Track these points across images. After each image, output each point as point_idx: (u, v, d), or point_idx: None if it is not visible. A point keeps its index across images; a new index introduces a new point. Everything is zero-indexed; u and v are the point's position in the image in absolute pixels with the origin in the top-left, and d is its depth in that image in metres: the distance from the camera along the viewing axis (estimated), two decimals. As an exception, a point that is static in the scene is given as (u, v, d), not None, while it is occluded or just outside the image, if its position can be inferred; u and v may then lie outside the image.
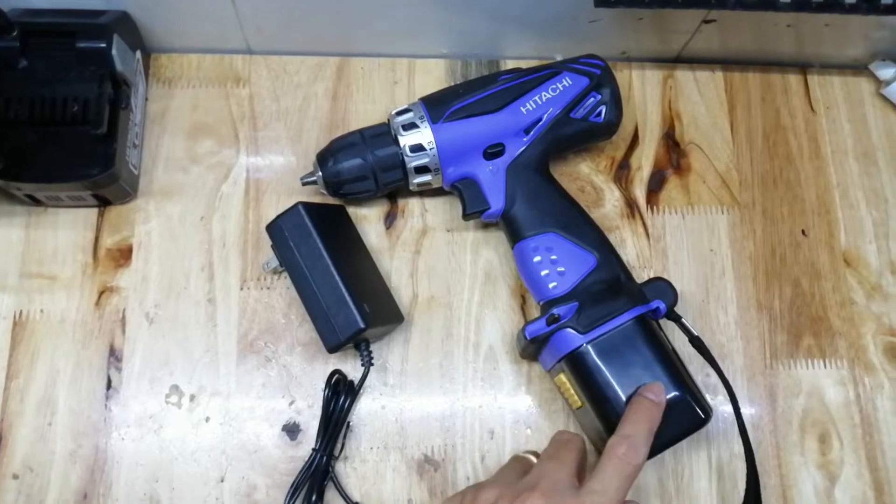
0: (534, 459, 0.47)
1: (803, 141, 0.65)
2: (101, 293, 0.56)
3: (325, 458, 0.52)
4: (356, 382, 0.54)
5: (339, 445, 0.53)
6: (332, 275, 0.51)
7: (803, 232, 0.62)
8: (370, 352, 0.54)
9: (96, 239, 0.57)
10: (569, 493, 0.42)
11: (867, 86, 0.67)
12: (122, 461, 0.52)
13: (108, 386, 0.54)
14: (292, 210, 0.53)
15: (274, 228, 0.53)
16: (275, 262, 0.55)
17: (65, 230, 0.57)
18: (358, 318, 0.50)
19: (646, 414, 0.46)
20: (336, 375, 0.53)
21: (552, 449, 0.47)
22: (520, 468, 0.47)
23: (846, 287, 0.61)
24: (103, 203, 0.57)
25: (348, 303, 0.51)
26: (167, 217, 0.58)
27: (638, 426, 0.45)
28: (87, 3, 0.55)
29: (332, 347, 0.51)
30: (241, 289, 0.57)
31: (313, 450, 0.52)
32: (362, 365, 0.54)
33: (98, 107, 0.53)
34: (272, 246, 0.54)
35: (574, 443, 0.47)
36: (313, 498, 0.51)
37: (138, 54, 0.58)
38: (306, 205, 0.53)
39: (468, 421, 0.55)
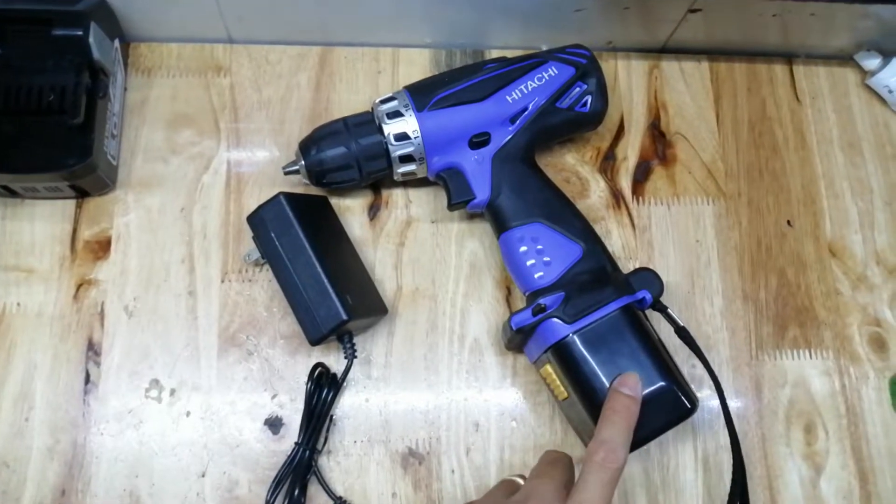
0: (521, 482, 0.47)
1: (789, 131, 0.65)
2: (79, 286, 0.55)
3: (307, 452, 0.51)
4: (339, 375, 0.53)
5: (322, 439, 0.52)
6: (315, 266, 0.51)
7: (789, 222, 0.62)
8: (353, 344, 0.53)
9: (74, 231, 0.56)
10: None
11: (852, 76, 0.67)
12: (101, 456, 0.51)
13: (87, 380, 0.53)
14: (273, 200, 0.52)
15: (255, 219, 0.53)
16: (256, 254, 0.54)
17: (42, 222, 0.56)
18: (340, 309, 0.50)
19: (622, 412, 0.45)
20: (319, 368, 0.53)
21: (540, 467, 0.46)
22: (507, 490, 0.46)
23: (831, 277, 0.61)
24: (81, 194, 0.56)
25: (331, 294, 0.50)
26: (146, 209, 0.57)
27: (615, 427, 0.44)
28: (63, -11, 0.54)
29: (315, 340, 0.50)
30: (223, 281, 0.56)
31: (296, 444, 0.51)
32: (345, 357, 0.53)
33: (75, 96, 0.52)
34: (253, 237, 0.53)
35: (561, 461, 0.46)
36: (296, 493, 0.50)
37: (117, 43, 0.57)
38: (287, 195, 0.52)
39: (453, 414, 0.54)
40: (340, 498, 0.52)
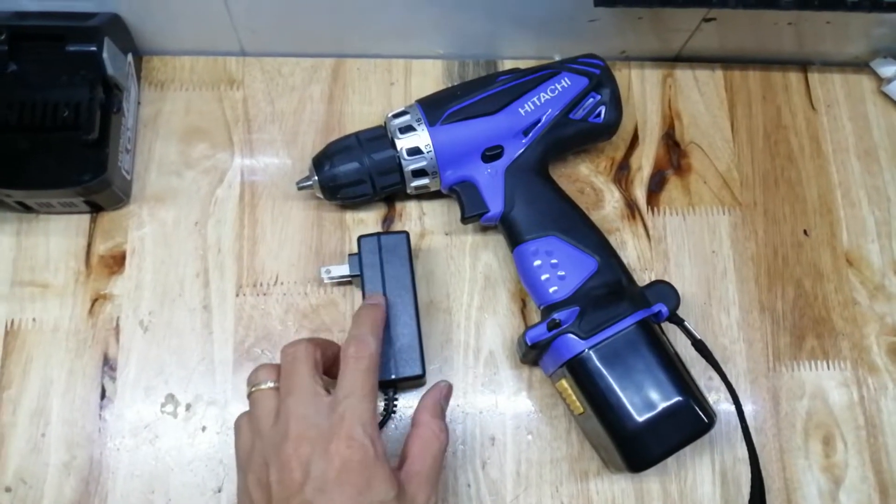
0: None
1: (804, 140, 0.64)
2: (94, 301, 0.55)
3: None
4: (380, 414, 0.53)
5: None
6: (412, 312, 0.52)
7: (805, 232, 0.61)
8: (396, 399, 0.53)
9: (89, 246, 0.56)
10: (323, 417, 0.41)
11: (868, 83, 0.66)
12: (117, 472, 0.51)
13: (103, 395, 0.53)
14: (399, 233, 0.54)
15: (369, 241, 0.53)
16: (342, 272, 0.54)
17: (57, 237, 0.56)
18: (419, 363, 0.51)
19: (366, 313, 0.48)
20: None
21: (283, 377, 0.45)
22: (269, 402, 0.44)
23: (849, 287, 0.60)
24: (95, 209, 0.56)
25: (417, 346, 0.52)
26: (161, 223, 0.57)
27: (361, 324, 0.47)
28: (77, 5, 0.54)
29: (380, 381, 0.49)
30: (237, 295, 0.56)
31: None
32: (385, 408, 0.53)
33: (89, 111, 0.52)
34: (353, 255, 0.54)
35: (298, 350, 0.45)
36: None
37: (130, 57, 0.57)
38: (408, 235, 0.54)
39: (468, 427, 0.54)
40: None
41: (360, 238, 0.54)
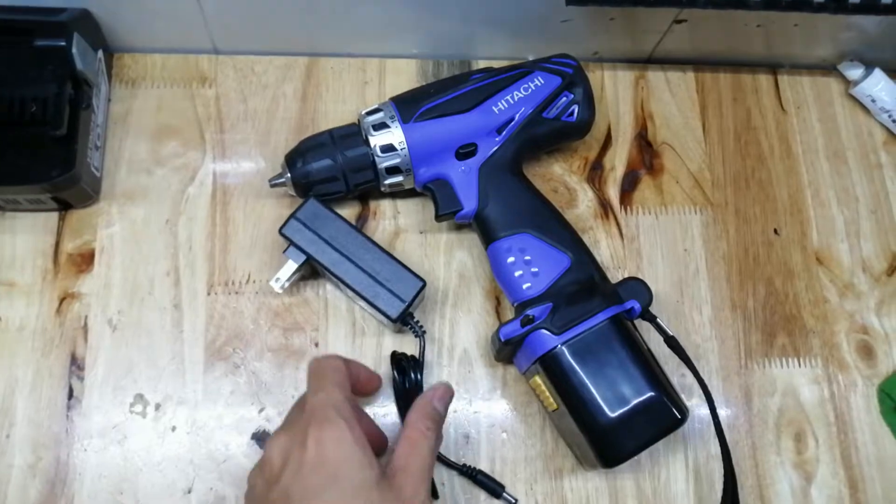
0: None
1: (774, 141, 0.65)
2: (62, 300, 0.54)
3: None
4: (417, 355, 0.54)
5: None
6: (374, 247, 0.53)
7: (776, 231, 0.62)
8: (418, 321, 0.54)
9: (57, 244, 0.55)
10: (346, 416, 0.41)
11: (836, 86, 0.68)
12: (84, 473, 0.50)
13: (70, 395, 0.52)
14: (307, 203, 0.53)
15: (292, 226, 0.52)
16: (290, 271, 0.52)
17: (24, 235, 0.55)
18: (413, 276, 0.52)
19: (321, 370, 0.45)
20: (397, 355, 0.54)
21: (313, 381, 0.45)
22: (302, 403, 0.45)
23: (819, 285, 0.61)
24: (64, 207, 0.55)
25: (401, 266, 0.52)
26: (131, 220, 0.56)
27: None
28: (46, 1, 0.54)
29: (399, 314, 0.51)
30: (209, 294, 0.55)
31: None
32: (416, 336, 0.54)
33: (57, 107, 0.51)
34: (287, 250, 0.53)
35: (329, 365, 0.45)
36: None
37: (100, 54, 0.57)
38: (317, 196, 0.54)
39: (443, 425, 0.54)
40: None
41: (281, 230, 0.52)
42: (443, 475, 0.53)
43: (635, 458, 0.49)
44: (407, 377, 0.53)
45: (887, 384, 0.58)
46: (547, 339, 0.49)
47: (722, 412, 0.56)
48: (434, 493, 0.51)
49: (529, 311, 0.50)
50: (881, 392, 0.58)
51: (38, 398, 0.52)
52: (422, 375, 0.53)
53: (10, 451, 0.50)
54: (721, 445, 0.51)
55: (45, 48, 0.52)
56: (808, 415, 0.57)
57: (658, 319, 0.52)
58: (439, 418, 0.45)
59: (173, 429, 0.52)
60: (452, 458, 0.53)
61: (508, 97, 0.55)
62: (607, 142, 0.63)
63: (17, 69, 0.52)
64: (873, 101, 0.65)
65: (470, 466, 0.52)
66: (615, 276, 0.58)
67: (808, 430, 0.57)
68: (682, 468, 0.55)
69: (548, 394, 0.50)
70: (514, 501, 0.52)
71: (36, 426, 0.51)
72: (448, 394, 0.47)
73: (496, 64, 0.59)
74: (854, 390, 0.58)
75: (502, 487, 0.52)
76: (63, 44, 0.52)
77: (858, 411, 0.58)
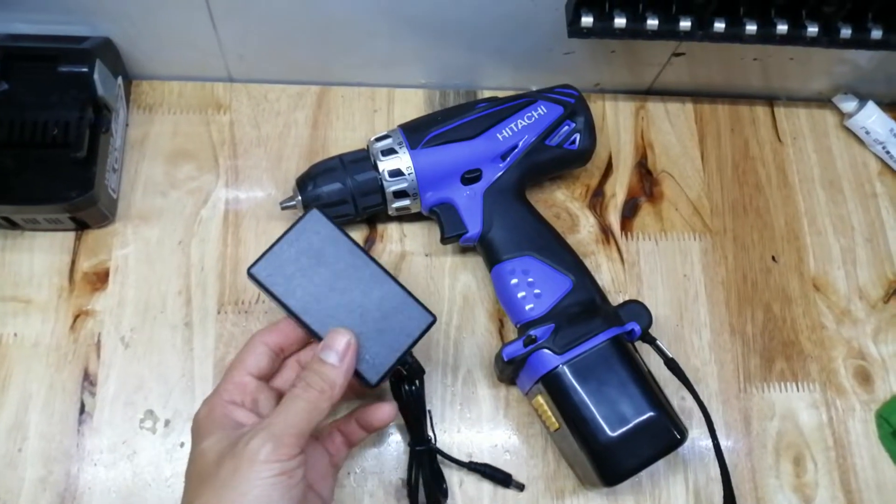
0: None
1: (771, 170, 0.67)
2: (76, 317, 0.55)
3: (420, 445, 0.52)
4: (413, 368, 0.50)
5: (429, 430, 0.53)
6: (376, 270, 0.46)
7: (773, 258, 0.63)
8: (410, 363, 0.50)
9: (73, 262, 0.57)
10: None
11: (831, 118, 0.70)
12: (94, 488, 0.51)
13: (82, 411, 0.53)
14: (305, 218, 0.46)
15: (267, 262, 0.45)
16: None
17: (41, 253, 0.57)
18: (422, 309, 0.47)
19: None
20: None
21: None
22: None
23: (816, 311, 0.62)
24: (81, 227, 0.57)
25: (407, 296, 0.46)
26: (145, 241, 0.58)
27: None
28: (70, 29, 0.56)
29: (378, 380, 0.46)
30: (219, 313, 0.56)
31: (408, 445, 0.53)
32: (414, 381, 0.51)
33: (78, 130, 0.53)
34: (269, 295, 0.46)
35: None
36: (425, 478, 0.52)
37: (120, 80, 0.59)
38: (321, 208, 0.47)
39: (446, 445, 0.55)
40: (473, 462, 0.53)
41: (249, 270, 0.45)
42: (452, 476, 0.54)
43: (636, 479, 0.49)
44: (403, 386, 0.51)
45: (885, 409, 0.59)
46: (549, 358, 0.50)
47: (721, 435, 0.56)
48: (444, 493, 0.52)
49: (532, 332, 0.51)
50: (879, 417, 0.59)
51: (50, 413, 0.53)
52: (422, 384, 0.52)
53: (21, 464, 0.51)
54: (721, 468, 0.51)
55: (68, 74, 0.54)
56: (807, 439, 0.58)
57: (658, 342, 0.53)
58: (325, 375, 0.43)
59: (182, 444, 0.53)
60: (455, 478, 0.54)
61: (512, 125, 0.57)
62: (608, 170, 0.65)
63: (41, 94, 0.54)
64: (867, 132, 0.67)
65: (477, 462, 0.54)
66: (616, 299, 0.59)
67: (806, 454, 0.57)
68: (682, 490, 0.55)
69: (550, 413, 0.51)
70: (522, 487, 0.54)
71: (48, 440, 0.52)
72: (337, 342, 0.44)
73: (501, 93, 0.61)
74: (852, 415, 0.59)
75: (510, 477, 0.53)
76: (85, 70, 0.54)
77: (857, 436, 0.58)
